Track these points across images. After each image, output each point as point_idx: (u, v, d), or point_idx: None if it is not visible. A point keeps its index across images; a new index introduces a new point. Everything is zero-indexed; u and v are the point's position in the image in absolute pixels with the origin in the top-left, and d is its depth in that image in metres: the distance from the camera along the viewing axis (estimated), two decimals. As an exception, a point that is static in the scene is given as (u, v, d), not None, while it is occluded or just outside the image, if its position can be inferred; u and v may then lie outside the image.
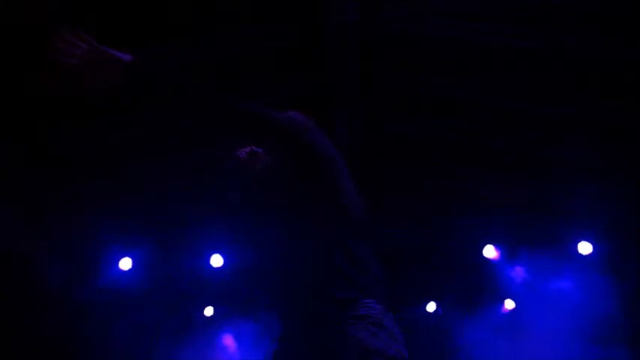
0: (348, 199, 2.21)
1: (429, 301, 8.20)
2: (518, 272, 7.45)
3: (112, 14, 4.18)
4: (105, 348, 6.98)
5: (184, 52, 4.64)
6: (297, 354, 2.13)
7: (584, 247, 7.01)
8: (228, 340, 8.04)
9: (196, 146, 5.66)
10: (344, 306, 2.07)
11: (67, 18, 4.00)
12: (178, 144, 5.57)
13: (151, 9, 4.28)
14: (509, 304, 7.85)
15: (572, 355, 6.93)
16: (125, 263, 7.07)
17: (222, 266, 7.39)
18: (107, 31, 4.31)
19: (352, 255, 2.14)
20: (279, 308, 2.23)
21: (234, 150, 2.37)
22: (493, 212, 6.90)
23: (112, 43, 4.39)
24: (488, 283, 7.68)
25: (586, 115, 5.11)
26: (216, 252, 7.38)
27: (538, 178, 6.17)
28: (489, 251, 7.42)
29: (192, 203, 6.35)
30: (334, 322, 2.06)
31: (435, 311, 8.19)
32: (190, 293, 7.72)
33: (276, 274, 2.22)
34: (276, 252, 2.22)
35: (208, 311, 7.98)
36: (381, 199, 6.21)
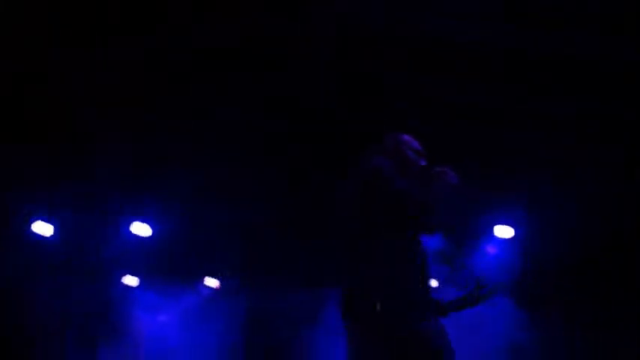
0: None
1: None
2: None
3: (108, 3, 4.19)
4: (20, 312, 6.88)
5: (179, 42, 4.65)
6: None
7: (503, 231, 7.07)
8: (150, 309, 7.97)
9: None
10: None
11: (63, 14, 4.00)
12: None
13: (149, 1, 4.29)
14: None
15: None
16: (44, 228, 6.78)
17: (150, 236, 7.11)
18: (102, 20, 4.33)
19: None
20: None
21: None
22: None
23: (109, 31, 4.39)
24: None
25: (586, 115, 5.11)
26: (138, 220, 7.08)
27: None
28: None
29: (117, 170, 6.21)
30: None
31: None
32: (112, 261, 7.47)
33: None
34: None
35: (130, 280, 7.75)
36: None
